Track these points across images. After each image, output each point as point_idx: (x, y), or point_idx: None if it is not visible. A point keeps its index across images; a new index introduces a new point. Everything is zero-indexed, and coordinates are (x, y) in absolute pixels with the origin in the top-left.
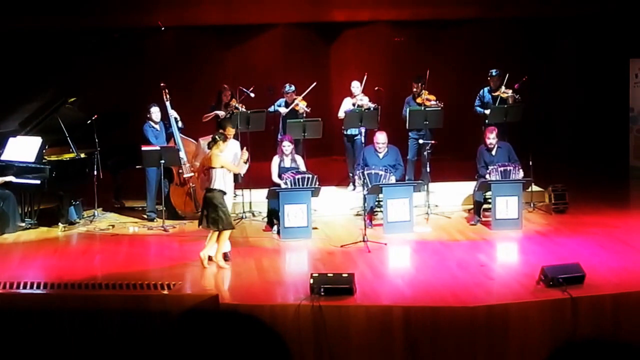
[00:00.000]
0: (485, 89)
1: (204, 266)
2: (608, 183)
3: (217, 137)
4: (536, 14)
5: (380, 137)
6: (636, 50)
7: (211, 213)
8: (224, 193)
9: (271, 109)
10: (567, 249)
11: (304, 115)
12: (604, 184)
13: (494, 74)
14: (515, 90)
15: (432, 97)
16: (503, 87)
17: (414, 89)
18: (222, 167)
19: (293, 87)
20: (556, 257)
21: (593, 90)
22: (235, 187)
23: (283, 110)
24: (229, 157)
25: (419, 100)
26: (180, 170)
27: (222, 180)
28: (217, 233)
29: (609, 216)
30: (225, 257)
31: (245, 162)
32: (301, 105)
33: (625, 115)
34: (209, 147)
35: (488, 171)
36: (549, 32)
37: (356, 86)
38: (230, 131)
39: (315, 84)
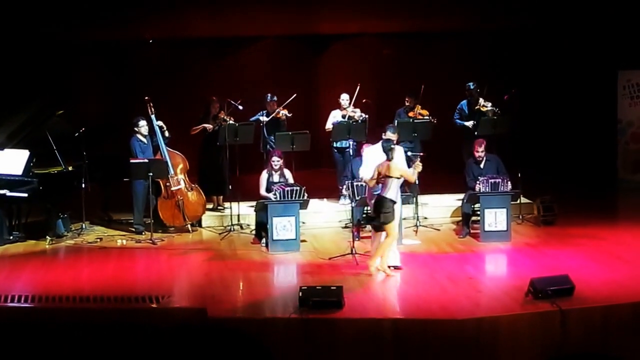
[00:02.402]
0: (464, 102)
1: (386, 275)
2: (596, 195)
3: (391, 144)
4: (523, 26)
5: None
6: (624, 62)
7: (377, 217)
8: (394, 202)
9: (252, 118)
10: (556, 261)
11: (285, 121)
12: (592, 195)
13: (471, 87)
14: (501, 103)
15: (425, 112)
16: (482, 100)
17: (407, 102)
18: (400, 176)
19: (275, 97)
20: (545, 269)
21: (582, 102)
22: (224, 200)
23: (263, 118)
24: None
25: (411, 114)
26: (168, 183)
27: (395, 190)
28: (385, 242)
29: (597, 228)
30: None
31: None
32: (282, 112)
33: (613, 127)
34: (388, 157)
35: (477, 183)
36: (537, 44)
37: (345, 98)
38: (391, 136)
39: (295, 95)
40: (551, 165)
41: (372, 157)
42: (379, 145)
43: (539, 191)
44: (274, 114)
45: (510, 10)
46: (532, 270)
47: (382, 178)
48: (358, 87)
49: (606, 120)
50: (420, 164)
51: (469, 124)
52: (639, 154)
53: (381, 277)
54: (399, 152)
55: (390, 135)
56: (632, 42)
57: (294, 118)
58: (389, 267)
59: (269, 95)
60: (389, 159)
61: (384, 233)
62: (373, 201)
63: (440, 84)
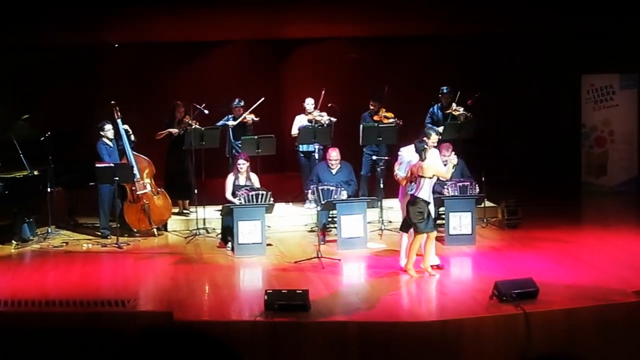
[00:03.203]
0: (437, 106)
1: (429, 274)
2: (561, 198)
3: (425, 145)
4: (490, 31)
5: (333, 154)
6: (588, 66)
7: (410, 217)
8: (427, 203)
9: (219, 123)
10: (520, 264)
11: (252, 126)
12: (556, 199)
13: (444, 91)
14: (467, 107)
15: (390, 115)
16: (454, 105)
17: (372, 107)
18: (433, 175)
19: (242, 102)
20: (509, 272)
21: (546, 106)
22: (189, 204)
23: (230, 122)
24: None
25: (376, 117)
26: (134, 187)
27: (428, 190)
28: (415, 243)
29: (561, 231)
30: (438, 267)
31: (454, 167)
32: (249, 117)
33: (577, 131)
34: (421, 157)
35: (445, 187)
36: (503, 49)
37: (310, 103)
38: (435, 138)
39: (263, 99)
40: (516, 169)
41: (407, 156)
42: (411, 146)
43: (504, 195)
44: (241, 119)
45: (476, 15)
46: (497, 273)
47: (414, 177)
48: (323, 92)
49: (570, 125)
50: (455, 157)
51: (441, 129)
52: (602, 158)
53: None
54: (433, 153)
55: (434, 137)
56: (595, 46)
57: (260, 122)
58: (432, 266)
59: (237, 100)
60: (422, 159)
61: (416, 235)
62: (406, 201)
63: (408, 88)
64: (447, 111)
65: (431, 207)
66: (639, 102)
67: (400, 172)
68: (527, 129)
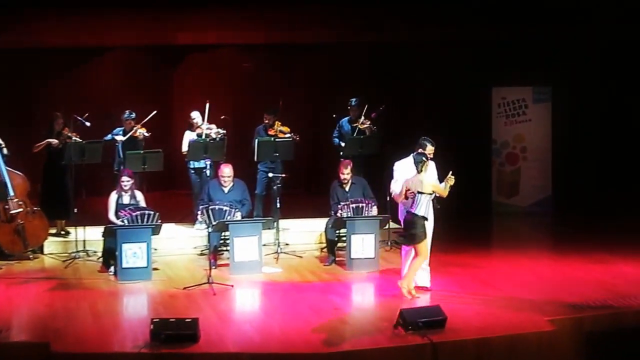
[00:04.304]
0: (345, 119)
1: (411, 296)
2: (471, 220)
3: (423, 157)
4: (398, 40)
5: (226, 170)
6: (499, 78)
7: (407, 235)
8: (426, 219)
9: (107, 137)
10: (427, 290)
11: (144, 141)
12: (466, 220)
13: (353, 103)
14: (372, 120)
15: (286, 129)
16: (362, 118)
17: (266, 120)
18: (432, 192)
19: (133, 115)
20: (415, 300)
21: (454, 120)
22: (66, 224)
23: (119, 137)
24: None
25: (271, 132)
26: (7, 206)
27: (425, 206)
28: (415, 261)
29: (471, 255)
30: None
31: (451, 188)
32: (140, 131)
33: (487, 147)
34: (418, 169)
35: (339, 207)
36: (411, 59)
37: (196, 116)
38: (431, 149)
39: (155, 112)
40: None
41: (402, 171)
42: (409, 159)
43: None
44: (131, 133)
45: (380, 23)
46: (402, 301)
47: (410, 193)
48: (207, 105)
49: (480, 141)
50: (453, 177)
51: (344, 143)
52: (514, 176)
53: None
54: (431, 166)
55: (430, 148)
56: (506, 57)
57: (151, 136)
58: (416, 287)
59: (127, 112)
60: (419, 171)
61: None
62: (403, 218)
63: (308, 100)
64: (355, 125)
65: (429, 225)
66: (553, 116)
67: (396, 189)
68: (436, 144)
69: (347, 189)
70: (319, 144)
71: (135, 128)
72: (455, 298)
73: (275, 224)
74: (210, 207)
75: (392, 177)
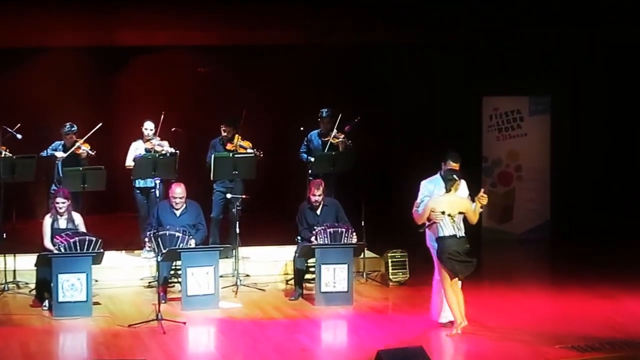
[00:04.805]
0: (314, 133)
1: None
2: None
3: (454, 175)
4: (375, 42)
5: (177, 190)
6: (491, 87)
7: (460, 259)
8: (459, 239)
9: (44, 153)
10: (408, 329)
11: (87, 160)
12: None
13: (324, 114)
14: (346, 134)
15: (248, 144)
16: (335, 131)
17: (224, 132)
18: (460, 212)
19: (75, 128)
20: (395, 339)
21: (441, 134)
22: None
23: (59, 154)
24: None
25: (229, 146)
26: None
27: (456, 226)
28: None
29: None
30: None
31: (482, 208)
32: (84, 148)
33: (477, 165)
34: (447, 188)
35: (313, 233)
36: (390, 64)
37: (149, 127)
38: (455, 165)
39: (101, 125)
40: (402, 211)
41: (428, 191)
42: (436, 177)
43: (388, 244)
44: (73, 149)
45: (358, 22)
46: (379, 341)
47: (438, 215)
48: (162, 116)
49: (469, 157)
50: (485, 195)
51: (314, 159)
52: (507, 199)
53: None
54: (462, 185)
55: (453, 163)
56: (499, 63)
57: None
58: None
59: (67, 125)
60: (447, 190)
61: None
62: (435, 244)
63: (271, 110)
64: (326, 139)
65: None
66: (553, 130)
67: (419, 209)
68: (418, 162)
69: (318, 212)
70: (284, 160)
71: (77, 144)
72: (438, 338)
73: (234, 252)
74: (160, 232)
75: (415, 197)
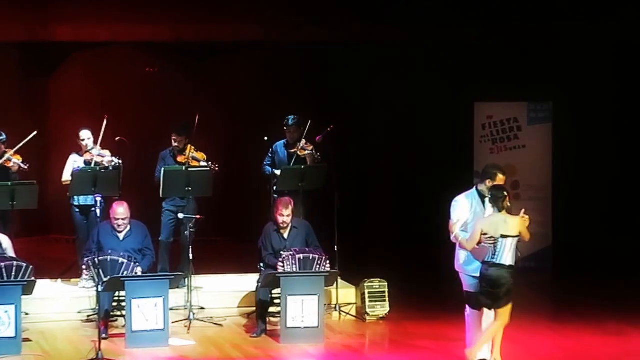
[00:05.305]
0: (280, 143)
1: None
2: (444, 277)
3: (504, 192)
4: (349, 39)
5: (120, 210)
6: (484, 91)
7: (494, 288)
8: (512, 269)
9: None
10: None
11: (19, 174)
12: (438, 278)
13: (290, 122)
14: (315, 145)
15: (201, 156)
16: (303, 141)
17: (175, 143)
18: (519, 234)
19: (4, 137)
20: None
21: (427, 145)
22: None
23: None
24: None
25: (180, 159)
26: None
27: (512, 253)
28: (493, 327)
29: (446, 325)
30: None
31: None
32: (15, 160)
33: (468, 181)
34: (499, 207)
35: (280, 259)
36: (368, 65)
37: (87, 137)
38: (502, 179)
39: (35, 133)
40: (382, 235)
41: (463, 209)
42: (471, 193)
43: (365, 272)
44: (2, 161)
45: (324, 17)
46: None
47: (489, 239)
48: (105, 122)
49: (458, 172)
50: (527, 217)
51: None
52: None
53: None
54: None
55: (501, 178)
56: (493, 64)
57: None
58: None
59: None
60: (500, 209)
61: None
62: (480, 272)
63: (228, 116)
64: (292, 150)
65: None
66: (555, 141)
67: (461, 231)
68: (400, 179)
69: (285, 235)
70: (245, 175)
71: (7, 155)
72: None
73: (186, 281)
74: (101, 258)
75: (448, 217)
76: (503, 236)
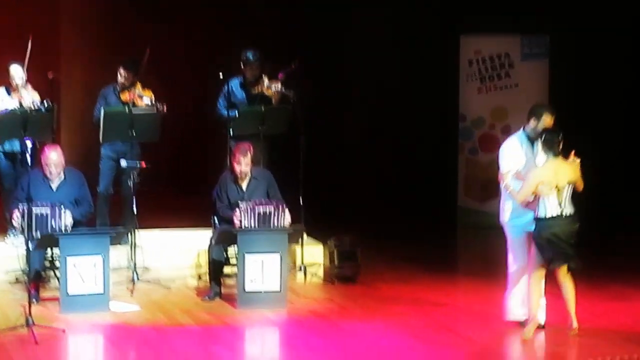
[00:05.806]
0: (236, 81)
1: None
2: (425, 235)
3: (558, 135)
4: None
5: (52, 156)
6: (470, 23)
7: (561, 246)
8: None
9: None
10: (360, 339)
11: None
12: (419, 236)
13: (250, 57)
14: (281, 83)
15: (148, 94)
16: (266, 80)
17: (121, 78)
18: (569, 182)
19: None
20: (342, 354)
21: (405, 85)
22: None
23: None
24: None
25: (124, 97)
26: None
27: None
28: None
29: (425, 287)
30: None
31: None
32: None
33: (453, 126)
34: (554, 152)
35: (236, 213)
36: None
37: (18, 73)
38: (550, 121)
39: None
40: (355, 188)
41: (513, 156)
42: (519, 134)
43: (334, 229)
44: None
45: None
46: (322, 355)
47: (546, 190)
48: (29, 47)
49: (442, 115)
50: (577, 159)
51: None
52: (490, 169)
53: None
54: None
55: (551, 116)
56: None
57: None
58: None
59: None
60: (555, 154)
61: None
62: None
63: (179, 50)
64: (256, 90)
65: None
66: (552, 80)
67: (511, 181)
68: (375, 122)
69: (243, 186)
70: (197, 117)
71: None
72: (402, 351)
73: (129, 237)
74: (32, 209)
75: (497, 166)
76: (569, 183)
